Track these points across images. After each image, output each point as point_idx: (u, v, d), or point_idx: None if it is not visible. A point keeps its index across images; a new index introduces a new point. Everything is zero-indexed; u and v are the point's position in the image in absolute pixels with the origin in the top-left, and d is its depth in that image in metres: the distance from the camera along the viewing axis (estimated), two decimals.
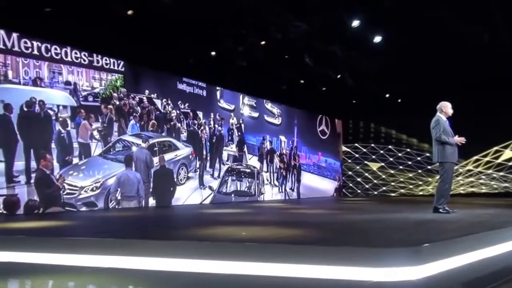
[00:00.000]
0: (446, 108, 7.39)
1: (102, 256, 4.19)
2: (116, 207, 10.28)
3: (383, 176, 19.06)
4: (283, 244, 4.00)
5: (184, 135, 12.72)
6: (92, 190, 10.05)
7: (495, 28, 11.48)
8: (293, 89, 15.93)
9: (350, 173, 19.83)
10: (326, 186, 18.98)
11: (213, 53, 12.63)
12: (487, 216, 7.23)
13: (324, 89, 16.42)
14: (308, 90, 16.16)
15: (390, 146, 19.04)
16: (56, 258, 4.36)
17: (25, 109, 9.16)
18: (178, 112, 12.61)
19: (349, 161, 19.82)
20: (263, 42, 12.42)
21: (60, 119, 9.79)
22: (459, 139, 7.20)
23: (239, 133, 14.75)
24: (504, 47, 12.33)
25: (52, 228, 5.95)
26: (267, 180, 15.64)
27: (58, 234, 5.36)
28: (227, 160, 14.21)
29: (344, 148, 20.00)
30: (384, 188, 19.13)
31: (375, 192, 19.28)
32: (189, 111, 12.97)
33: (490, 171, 16.49)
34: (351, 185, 19.81)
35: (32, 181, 9.02)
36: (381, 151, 19.11)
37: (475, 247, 4.17)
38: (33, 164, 9.11)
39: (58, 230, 5.80)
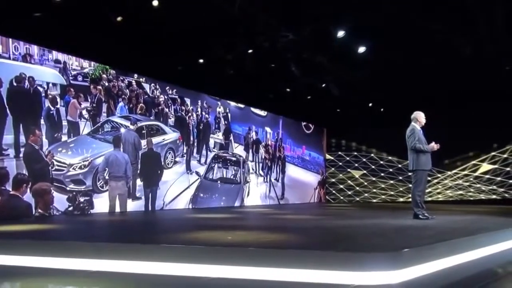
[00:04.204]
0: (420, 117, 7.66)
1: (90, 259, 4.20)
2: (104, 186, 10.34)
3: (365, 183, 19.37)
4: (267, 249, 4.11)
5: (171, 120, 12.77)
6: (80, 168, 10.09)
7: (477, 41, 11.57)
8: (279, 98, 16.09)
9: (333, 180, 20.11)
10: (310, 178, 19.24)
11: (201, 60, 12.70)
12: (464, 222, 7.45)
13: (309, 97, 16.54)
14: (293, 99, 16.33)
15: (372, 154, 19.39)
16: (45, 262, 4.32)
17: (15, 84, 9.13)
18: (166, 97, 12.64)
19: (332, 169, 20.11)
20: (250, 51, 12.50)
21: (50, 96, 9.76)
22: (434, 146, 7.43)
23: (225, 122, 14.81)
24: (485, 61, 12.46)
25: (41, 232, 5.89)
26: (253, 169, 15.78)
27: (47, 237, 5.30)
28: (214, 148, 14.29)
29: (327, 156, 20.29)
30: (366, 194, 19.45)
31: (357, 199, 19.60)
32: (176, 97, 13.00)
33: (467, 184, 16.89)
34: (334, 191, 20.09)
35: (21, 155, 9.02)
36: (364, 159, 19.43)
37: (452, 252, 4.32)
38: (22, 139, 9.10)
39: (47, 234, 5.74)
